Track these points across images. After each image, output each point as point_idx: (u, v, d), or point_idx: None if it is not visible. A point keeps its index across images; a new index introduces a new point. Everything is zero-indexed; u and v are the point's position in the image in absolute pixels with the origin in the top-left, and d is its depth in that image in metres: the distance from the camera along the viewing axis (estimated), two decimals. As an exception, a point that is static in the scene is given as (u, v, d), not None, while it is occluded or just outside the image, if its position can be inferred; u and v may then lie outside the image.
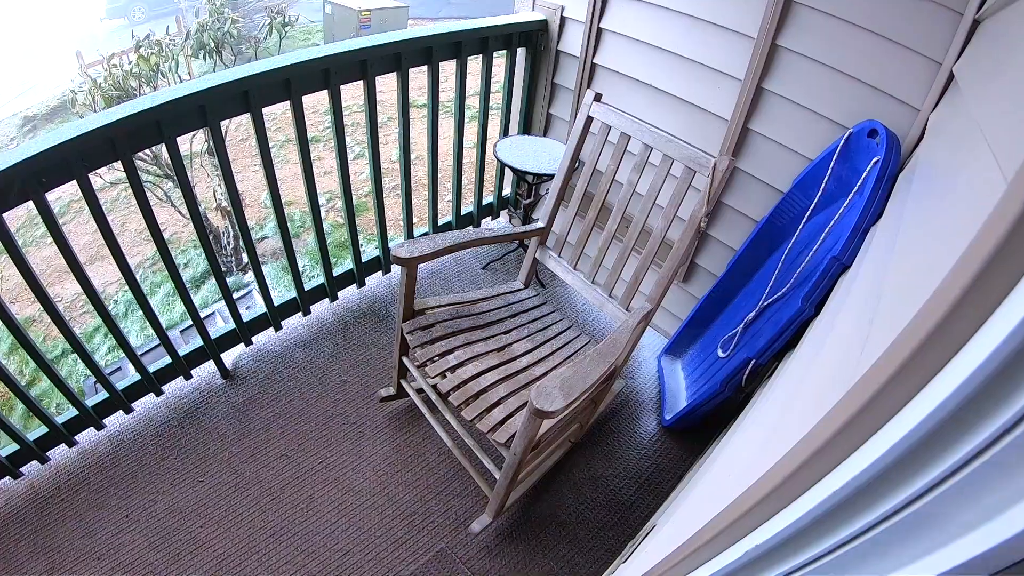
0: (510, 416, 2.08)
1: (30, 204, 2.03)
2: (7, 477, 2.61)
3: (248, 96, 2.34)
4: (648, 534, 1.95)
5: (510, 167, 3.02)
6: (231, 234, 7.09)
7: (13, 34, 22.62)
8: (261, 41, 6.13)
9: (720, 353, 2.68)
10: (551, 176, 2.99)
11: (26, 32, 22.88)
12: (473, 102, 3.26)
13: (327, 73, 2.50)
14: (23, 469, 2.64)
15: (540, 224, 2.62)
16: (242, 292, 5.73)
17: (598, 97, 2.46)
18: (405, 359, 2.51)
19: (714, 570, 0.86)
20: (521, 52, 3.25)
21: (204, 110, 2.26)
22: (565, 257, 2.66)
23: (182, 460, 2.69)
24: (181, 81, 6.18)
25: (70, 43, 17.30)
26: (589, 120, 2.48)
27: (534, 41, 3.20)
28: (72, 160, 2.04)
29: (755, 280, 2.74)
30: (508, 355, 2.33)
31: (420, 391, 2.66)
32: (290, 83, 2.42)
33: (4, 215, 1.99)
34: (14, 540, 2.48)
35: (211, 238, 7.73)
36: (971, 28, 1.91)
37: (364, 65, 2.60)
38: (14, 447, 2.57)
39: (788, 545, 0.73)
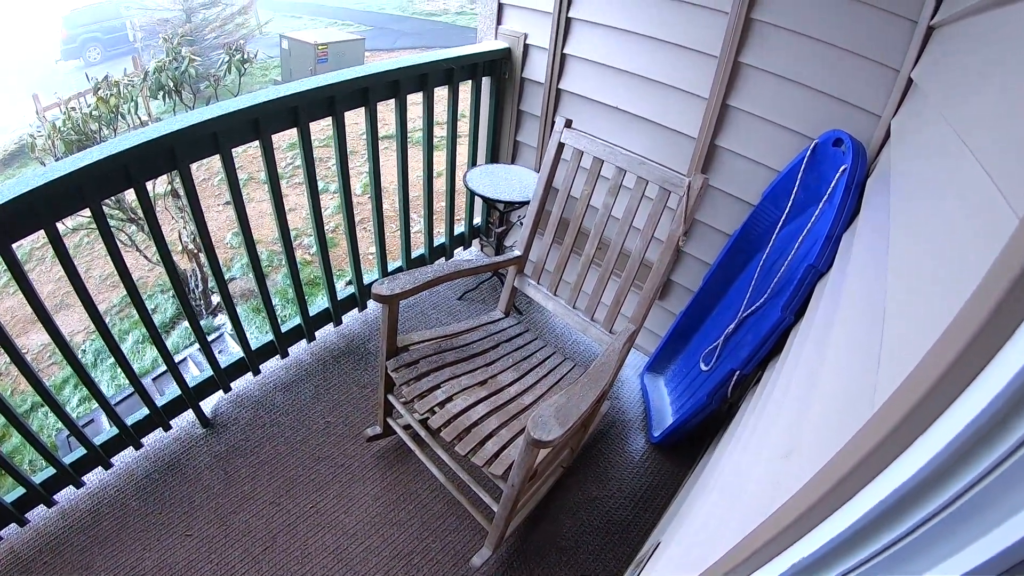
0: (504, 448, 2.07)
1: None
2: None
3: (217, 137, 2.32)
4: (654, 552, 1.94)
5: (482, 196, 3.03)
6: (198, 277, 7.00)
7: None
8: (221, 79, 6.07)
9: (703, 366, 2.69)
10: (522, 204, 3.01)
11: None
12: (439, 131, 3.26)
13: (296, 111, 2.48)
14: (1, 533, 2.56)
15: (517, 253, 2.62)
16: (214, 336, 5.65)
17: (568, 123, 2.47)
18: (390, 396, 2.48)
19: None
20: (486, 81, 3.27)
21: (173, 153, 2.23)
22: (544, 284, 2.66)
23: (167, 514, 2.62)
24: (141, 122, 6.11)
25: (25, 86, 17.19)
26: (561, 146, 2.50)
27: (498, 70, 3.22)
28: (40, 209, 1.99)
29: (731, 292, 2.77)
30: (495, 386, 2.32)
31: (407, 427, 2.63)
32: (259, 122, 2.40)
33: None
34: None
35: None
36: (926, 34, 1.95)
37: (332, 101, 2.59)
38: None
39: (838, 551, 0.73)
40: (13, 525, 2.57)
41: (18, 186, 1.92)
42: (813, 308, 1.94)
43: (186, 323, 7.45)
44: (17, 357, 2.14)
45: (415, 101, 2.99)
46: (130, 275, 2.38)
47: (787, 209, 2.37)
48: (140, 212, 6.35)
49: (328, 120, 2.66)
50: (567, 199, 2.55)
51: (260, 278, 2.79)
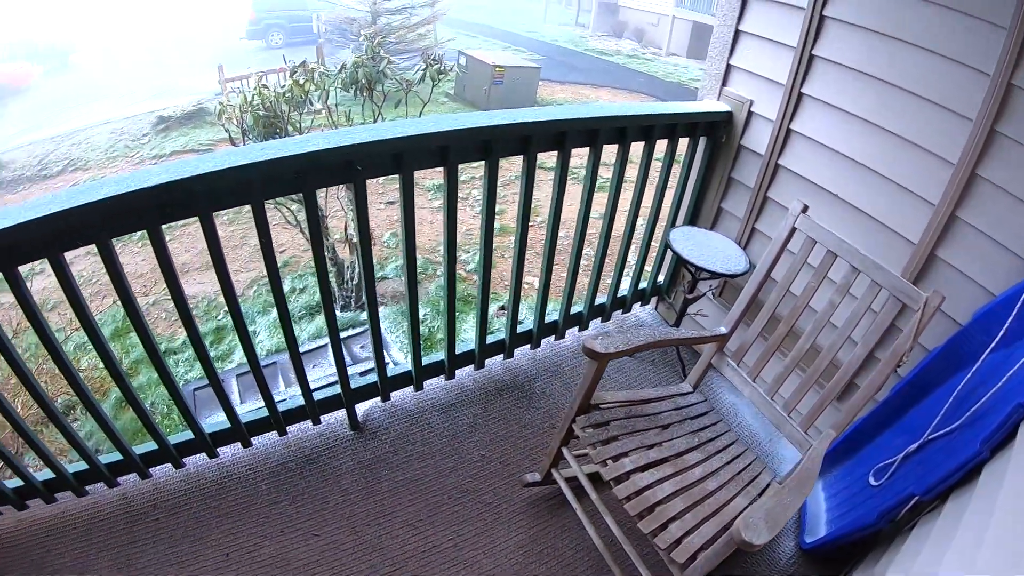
0: (687, 534, 1.95)
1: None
2: (102, 483, 2.58)
3: (447, 151, 2.31)
4: None
5: (684, 259, 2.90)
6: (355, 270, 7.13)
7: (150, 39, 24.49)
8: (413, 84, 6.19)
9: (872, 481, 2.51)
10: (720, 275, 2.89)
11: (161, 38, 24.65)
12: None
13: (528, 140, 2.46)
14: (121, 479, 2.61)
15: (723, 330, 2.50)
16: (359, 330, 5.67)
17: (805, 208, 2.37)
18: (565, 449, 2.39)
19: None
20: (702, 141, 3.16)
21: (400, 159, 2.23)
22: (743, 368, 2.55)
23: (297, 508, 2.59)
24: (328, 109, 6.27)
25: (208, 57, 18.55)
26: (792, 232, 2.39)
27: (717, 132, 3.12)
28: (255, 188, 2.06)
29: (918, 410, 2.58)
30: (682, 465, 2.19)
31: (570, 479, 2.54)
32: (491, 144, 2.38)
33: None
34: (96, 548, 2.45)
35: (335, 271, 7.79)
36: None
37: (563, 137, 2.55)
38: (116, 456, 2.54)
39: None
40: (134, 475, 2.61)
41: (235, 157, 1.95)
42: (1014, 448, 1.78)
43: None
44: (182, 302, 2.17)
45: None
46: (324, 261, 2.37)
47: (998, 337, 2.20)
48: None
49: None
50: (780, 290, 2.44)
51: (451, 297, 2.77)
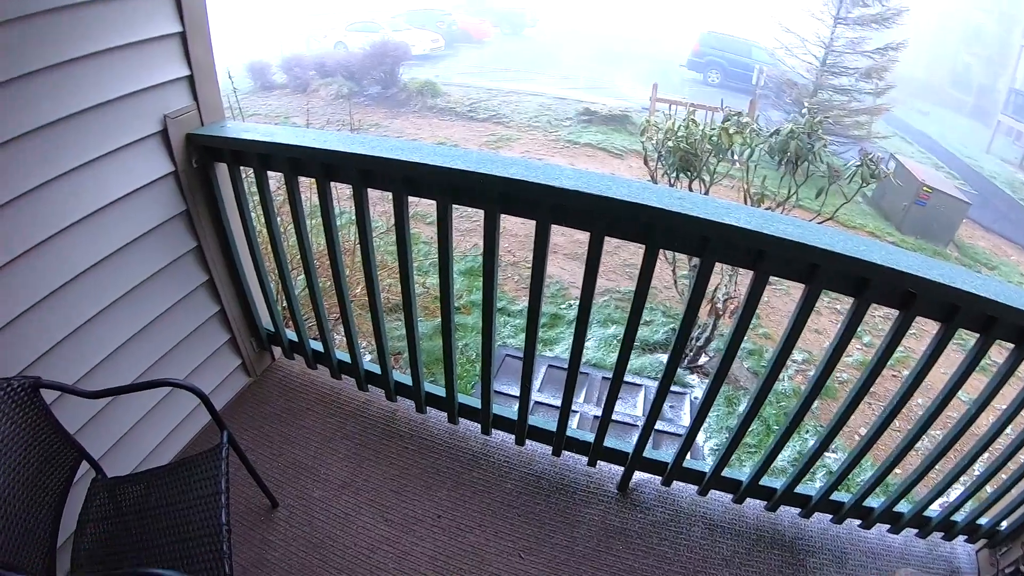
0: None
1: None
2: (383, 392, 3.02)
3: (864, 285, 1.94)
4: None
5: None
6: (707, 332, 6.94)
7: (599, 36, 27.67)
8: (842, 177, 5.70)
9: None
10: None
11: (609, 40, 27.15)
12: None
13: (954, 310, 1.96)
14: (399, 399, 3.04)
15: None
16: (677, 389, 5.41)
17: None
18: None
19: None
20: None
21: (815, 271, 1.92)
22: None
23: (524, 522, 2.60)
24: (744, 168, 6.06)
25: (646, 73, 19.98)
26: None
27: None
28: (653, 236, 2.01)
29: None
30: None
31: None
32: (913, 299, 1.93)
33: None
34: (343, 434, 2.90)
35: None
36: None
37: (991, 321, 1.98)
38: (407, 380, 2.91)
39: None
40: (412, 403, 3.00)
41: (648, 195, 1.92)
42: None
43: (661, 356, 7.31)
44: (538, 280, 2.23)
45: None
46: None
47: None
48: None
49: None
50: None
51: (793, 426, 2.41)
